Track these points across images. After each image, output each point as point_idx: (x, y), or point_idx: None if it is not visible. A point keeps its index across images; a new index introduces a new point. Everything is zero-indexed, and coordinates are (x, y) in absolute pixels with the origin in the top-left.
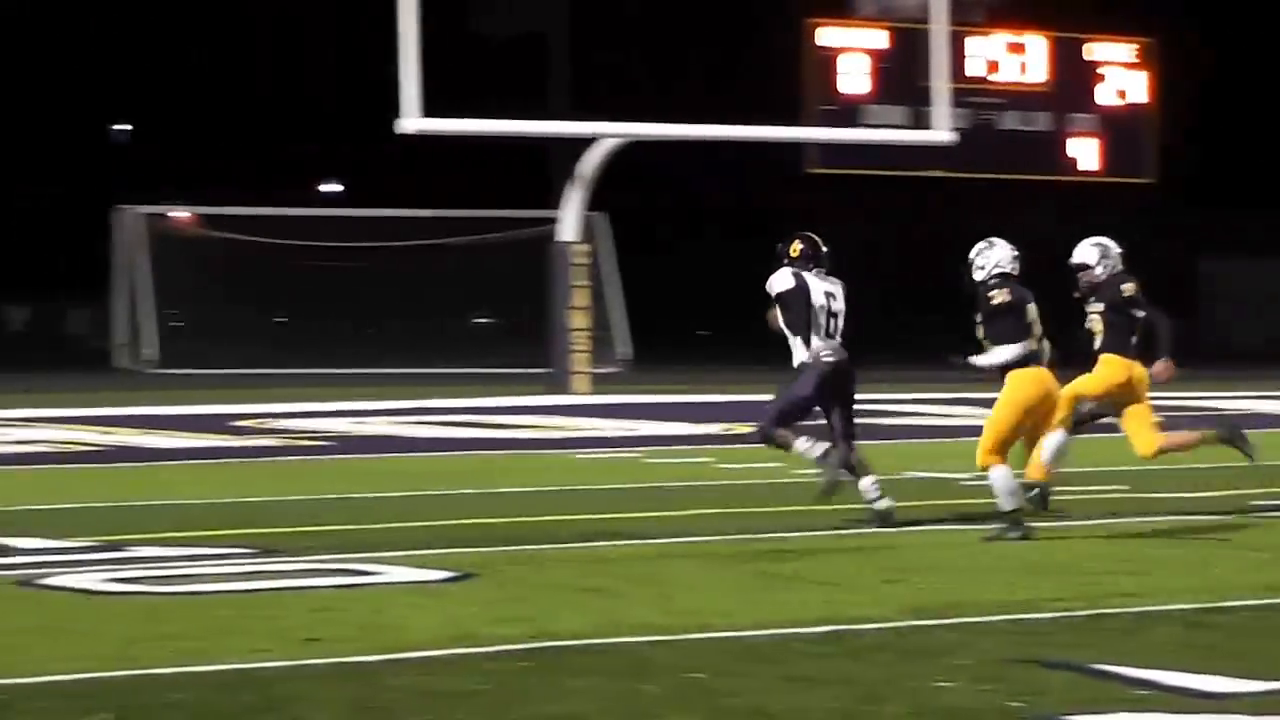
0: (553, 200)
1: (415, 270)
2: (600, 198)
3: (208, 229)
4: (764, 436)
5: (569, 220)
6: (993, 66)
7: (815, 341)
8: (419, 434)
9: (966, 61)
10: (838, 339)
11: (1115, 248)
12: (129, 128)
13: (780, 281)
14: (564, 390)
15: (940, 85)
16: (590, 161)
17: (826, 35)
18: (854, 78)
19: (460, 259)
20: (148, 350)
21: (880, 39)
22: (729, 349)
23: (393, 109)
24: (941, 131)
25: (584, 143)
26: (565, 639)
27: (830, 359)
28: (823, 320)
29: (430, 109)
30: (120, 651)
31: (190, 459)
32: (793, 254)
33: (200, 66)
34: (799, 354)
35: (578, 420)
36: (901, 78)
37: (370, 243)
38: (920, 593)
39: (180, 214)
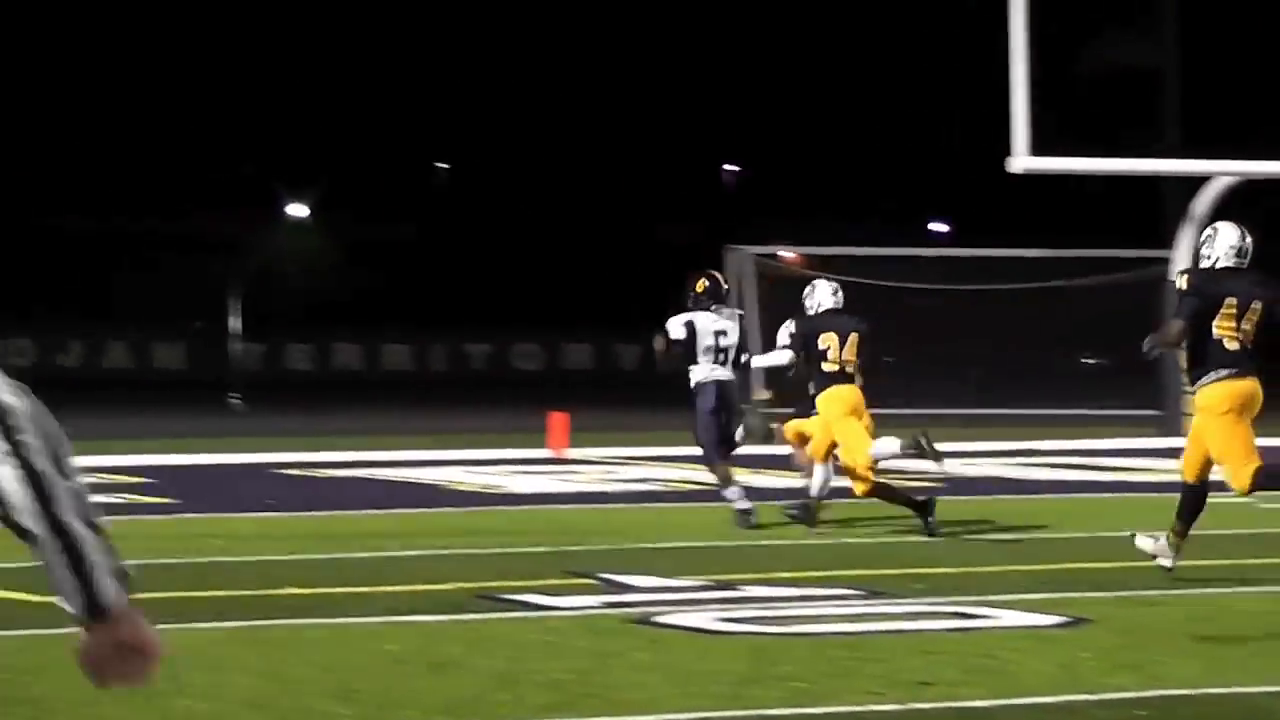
0: (1166, 238)
1: (1021, 309)
2: None
3: (815, 268)
4: (709, 464)
5: (1181, 260)
6: None
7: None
8: (1028, 475)
9: None
10: (729, 366)
11: None
12: (738, 169)
13: (674, 329)
14: (1175, 433)
15: None
16: (1204, 200)
17: None
18: None
19: (1068, 298)
20: (759, 389)
21: None
22: None
23: (1000, 146)
24: None
25: (1198, 180)
26: (1178, 688)
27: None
28: (711, 355)
29: (1040, 147)
30: (733, 691)
31: (799, 498)
32: (698, 290)
33: (809, 107)
34: (694, 378)
35: None
36: None
37: (975, 285)
38: None
39: (788, 254)
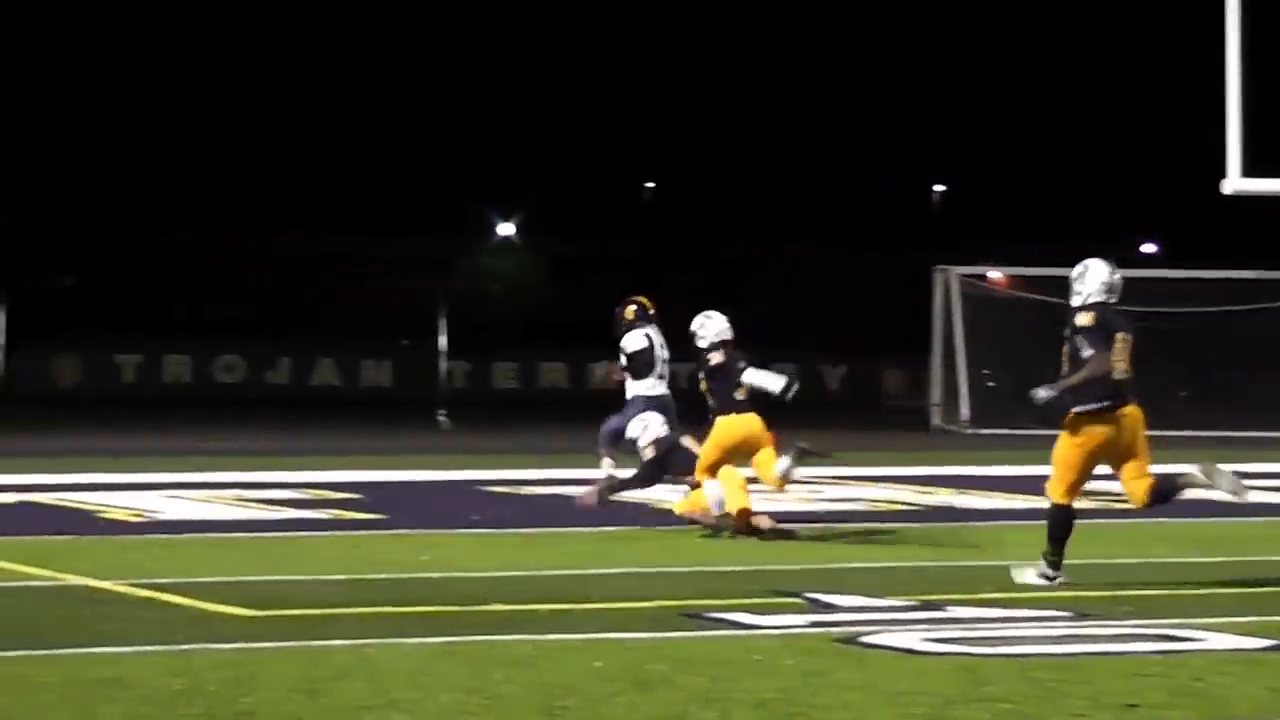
0: None
1: (1233, 331)
2: None
3: (1022, 289)
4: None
5: None
6: None
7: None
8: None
9: None
10: (665, 374)
11: None
12: (944, 188)
13: (634, 343)
14: None
15: None
16: None
17: None
18: None
19: (1270, 322)
20: (963, 410)
21: None
22: None
23: (1213, 165)
24: None
25: None
26: None
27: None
28: (658, 366)
29: (1254, 168)
30: (938, 712)
31: (1004, 520)
32: (628, 318)
33: (1019, 127)
34: (632, 391)
35: None
36: None
37: (1186, 308)
38: None
39: (996, 274)
